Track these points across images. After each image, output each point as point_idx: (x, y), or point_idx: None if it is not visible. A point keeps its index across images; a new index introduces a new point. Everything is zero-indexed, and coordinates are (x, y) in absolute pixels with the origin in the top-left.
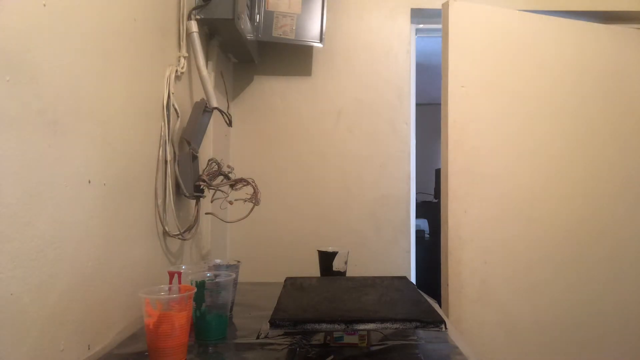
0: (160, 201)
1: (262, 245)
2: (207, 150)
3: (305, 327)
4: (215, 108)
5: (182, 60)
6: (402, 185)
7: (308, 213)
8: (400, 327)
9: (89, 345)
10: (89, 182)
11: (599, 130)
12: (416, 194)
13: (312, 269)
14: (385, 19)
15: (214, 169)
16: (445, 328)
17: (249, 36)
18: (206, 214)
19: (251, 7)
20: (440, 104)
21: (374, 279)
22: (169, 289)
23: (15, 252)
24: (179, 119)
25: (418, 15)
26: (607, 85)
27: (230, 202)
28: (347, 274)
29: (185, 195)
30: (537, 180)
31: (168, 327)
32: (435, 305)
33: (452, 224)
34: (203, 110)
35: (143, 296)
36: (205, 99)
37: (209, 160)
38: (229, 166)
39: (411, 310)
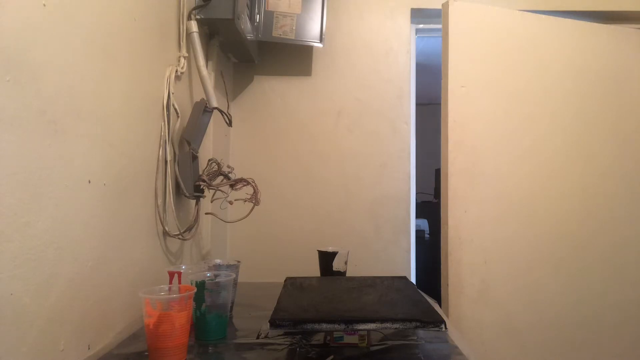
0: (160, 201)
1: (262, 245)
2: (207, 150)
3: (305, 327)
4: (215, 108)
5: (182, 60)
6: (402, 185)
7: (308, 213)
8: (400, 327)
9: (89, 345)
10: (89, 182)
11: (598, 130)
12: (416, 194)
13: (312, 269)
14: (385, 19)
15: (214, 169)
16: (445, 328)
17: (249, 36)
18: (206, 214)
19: (251, 7)
20: (440, 104)
21: (374, 279)
22: (169, 289)
23: (15, 252)
24: (179, 119)
25: (418, 15)
26: (606, 85)
27: (230, 202)
28: (347, 274)
29: (185, 195)
30: (537, 180)
31: (168, 327)
32: (435, 305)
33: (452, 224)
34: (203, 110)
35: (143, 296)
36: (205, 99)
37: (209, 160)
38: (229, 166)
39: (411, 310)
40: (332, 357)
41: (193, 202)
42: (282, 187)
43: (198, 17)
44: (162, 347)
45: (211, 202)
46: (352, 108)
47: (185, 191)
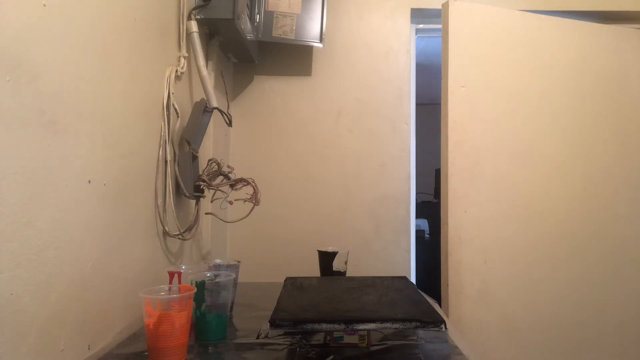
0: (160, 201)
1: (262, 245)
2: (207, 150)
3: (305, 327)
4: (215, 108)
5: (182, 60)
6: (402, 185)
7: (308, 213)
8: (400, 327)
9: (89, 345)
10: (89, 182)
11: (598, 130)
12: (416, 194)
13: (312, 269)
14: (385, 19)
15: (214, 169)
16: (445, 328)
17: (249, 36)
18: (206, 214)
19: (251, 7)
20: (440, 104)
21: (374, 279)
22: (169, 289)
23: (15, 252)
24: (179, 119)
25: (418, 15)
26: (607, 85)
27: (230, 202)
28: (347, 274)
29: (185, 195)
30: (537, 180)
31: (168, 327)
32: (435, 305)
33: (452, 224)
34: (203, 110)
35: (143, 296)
36: (205, 99)
37: (209, 160)
38: (229, 166)
39: (411, 310)
40: (332, 357)
41: (193, 202)
42: (282, 187)
43: (198, 17)
44: (162, 347)
45: (211, 202)
46: (352, 108)
47: (185, 191)
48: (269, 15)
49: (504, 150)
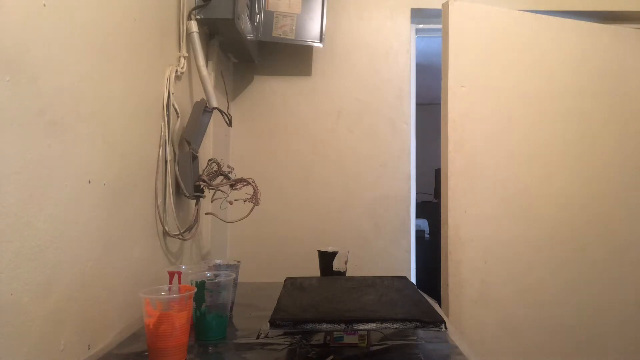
0: (160, 201)
1: (262, 245)
2: (207, 150)
3: (305, 327)
4: (215, 108)
5: (182, 60)
6: (402, 185)
7: (308, 213)
8: (400, 327)
9: (89, 345)
10: (89, 182)
11: (598, 130)
12: (416, 194)
13: (312, 269)
14: (385, 19)
15: (214, 169)
16: (445, 328)
17: (249, 36)
18: (206, 214)
19: (251, 7)
20: (440, 104)
21: (374, 279)
22: (169, 289)
23: (15, 252)
24: (179, 119)
25: (418, 15)
26: (607, 85)
27: (230, 202)
28: (347, 274)
29: (185, 195)
30: (537, 180)
31: (168, 327)
32: (435, 305)
33: (452, 224)
34: (203, 110)
35: (143, 296)
36: (205, 99)
37: (209, 160)
38: (229, 166)
39: (411, 310)
40: (332, 357)
41: (193, 202)
42: (282, 187)
43: (198, 17)
44: (162, 347)
45: (211, 202)
46: (352, 108)
47: (185, 191)
48: (269, 15)
49: (503, 150)
